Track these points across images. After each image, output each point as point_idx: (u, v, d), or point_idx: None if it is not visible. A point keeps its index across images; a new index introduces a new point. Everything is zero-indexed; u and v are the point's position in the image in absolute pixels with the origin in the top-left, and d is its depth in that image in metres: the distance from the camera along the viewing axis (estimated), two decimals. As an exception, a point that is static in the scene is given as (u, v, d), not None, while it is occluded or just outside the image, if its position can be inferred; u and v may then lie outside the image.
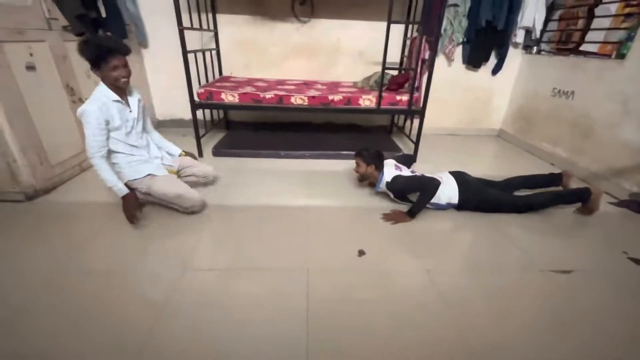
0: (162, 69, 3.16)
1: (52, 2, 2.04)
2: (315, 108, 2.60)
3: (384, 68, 2.42)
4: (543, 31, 2.98)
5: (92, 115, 1.55)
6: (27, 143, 1.87)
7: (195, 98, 2.52)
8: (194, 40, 2.92)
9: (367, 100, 2.60)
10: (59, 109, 2.12)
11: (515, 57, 3.26)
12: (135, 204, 1.71)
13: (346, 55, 3.28)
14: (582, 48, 2.58)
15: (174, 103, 3.30)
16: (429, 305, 1.29)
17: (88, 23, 2.26)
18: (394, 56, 3.20)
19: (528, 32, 3.06)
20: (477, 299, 1.33)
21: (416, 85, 2.65)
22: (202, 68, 2.91)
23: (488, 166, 2.87)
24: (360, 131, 3.43)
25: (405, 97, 2.59)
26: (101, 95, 1.60)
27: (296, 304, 1.27)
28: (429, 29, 2.49)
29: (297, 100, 2.56)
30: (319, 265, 1.48)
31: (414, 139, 2.72)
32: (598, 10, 2.44)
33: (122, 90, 1.67)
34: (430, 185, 1.82)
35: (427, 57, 2.52)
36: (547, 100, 2.93)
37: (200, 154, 2.68)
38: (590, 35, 2.51)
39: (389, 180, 1.91)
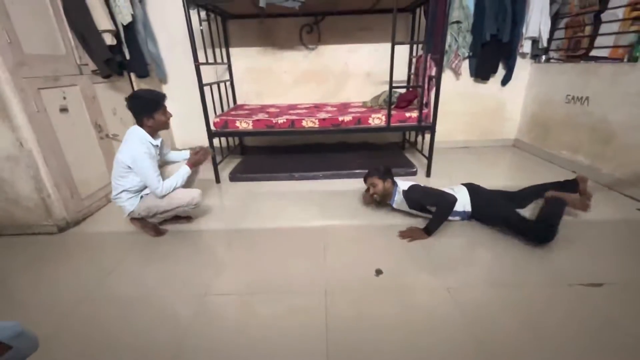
0: (180, 101, 3.33)
1: (83, 50, 2.26)
2: (327, 130, 2.66)
3: (392, 87, 2.48)
4: (550, 40, 2.99)
5: (145, 157, 1.74)
6: (60, 179, 2.02)
7: (212, 127, 2.65)
8: (209, 73, 3.11)
9: (377, 119, 2.65)
10: (89, 145, 2.29)
11: (524, 66, 3.26)
12: (201, 158, 2.01)
13: (354, 77, 3.38)
14: (592, 54, 2.56)
15: (192, 132, 3.44)
16: (451, 324, 1.26)
17: (115, 66, 2.47)
18: (401, 74, 3.27)
19: (535, 41, 3.07)
20: (502, 316, 1.29)
21: (425, 101, 2.69)
22: (217, 98, 3.07)
23: (506, 177, 2.82)
24: (372, 149, 3.46)
25: (414, 114, 2.62)
26: (142, 139, 1.77)
27: (315, 325, 1.27)
28: (433, 47, 2.55)
29: (309, 123, 2.64)
30: (337, 285, 1.48)
31: (427, 154, 2.72)
32: (605, 16, 2.44)
33: (155, 134, 1.86)
34: (446, 203, 1.80)
35: (433, 73, 2.57)
36: (561, 107, 2.89)
37: (218, 180, 2.78)
38: (599, 41, 2.50)
39: (406, 189, 1.90)
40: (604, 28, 2.45)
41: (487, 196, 1.91)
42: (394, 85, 2.49)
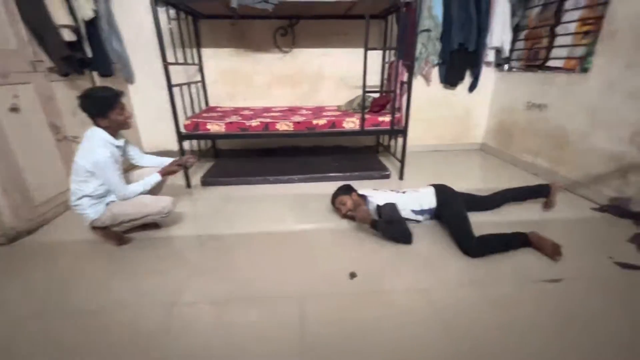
0: (148, 102, 3.21)
1: (38, 45, 2.10)
2: (301, 133, 2.66)
3: (365, 91, 2.52)
4: (512, 50, 3.18)
5: (109, 161, 1.63)
6: (9, 184, 1.85)
7: (182, 129, 2.56)
8: (179, 73, 3.01)
9: (351, 123, 2.68)
10: (45, 148, 2.13)
11: (489, 75, 3.44)
12: (175, 169, 1.95)
13: (329, 80, 3.41)
14: (549, 64, 2.75)
15: (161, 135, 3.33)
16: (425, 324, 1.28)
17: (75, 64, 2.32)
18: (375, 79, 3.34)
19: (498, 51, 3.26)
20: (473, 313, 1.33)
21: (397, 106, 2.76)
22: (188, 100, 2.97)
23: (474, 179, 2.94)
24: (347, 152, 3.50)
25: (387, 118, 2.68)
26: (103, 141, 1.66)
27: (290, 332, 1.24)
28: (405, 53, 2.63)
29: (283, 126, 2.62)
30: (312, 290, 1.47)
31: (400, 158, 2.79)
32: (559, 29, 2.63)
33: (117, 134, 1.74)
34: (403, 235, 1.81)
35: (405, 79, 2.64)
36: (523, 113, 3.07)
37: (189, 185, 2.68)
38: (555, 52, 2.69)
39: (381, 204, 1.91)
40: (559, 40, 2.64)
41: (451, 197, 1.97)
42: (367, 89, 2.53)
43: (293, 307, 1.37)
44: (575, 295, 1.43)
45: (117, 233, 1.84)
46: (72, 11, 2.25)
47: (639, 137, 2.04)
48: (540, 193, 2.19)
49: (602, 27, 2.25)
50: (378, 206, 1.93)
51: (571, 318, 1.30)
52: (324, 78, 3.39)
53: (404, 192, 2.04)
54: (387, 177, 2.85)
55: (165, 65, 2.29)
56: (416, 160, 3.26)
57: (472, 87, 3.46)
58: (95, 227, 1.80)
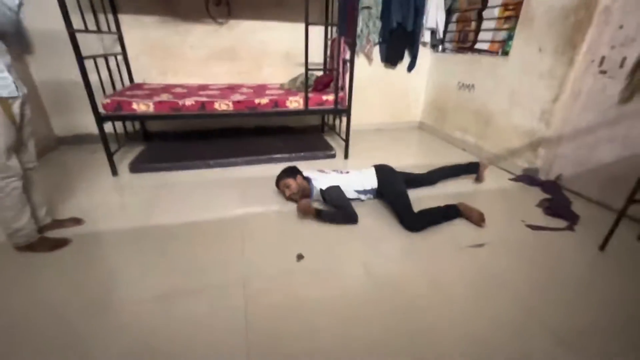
0: (57, 78, 2.74)
1: None
2: (242, 113, 2.52)
3: (307, 69, 2.46)
4: (445, 32, 3.34)
5: None
6: None
7: (101, 110, 2.24)
8: (94, 43, 2.61)
9: (295, 102, 2.61)
10: None
11: (425, 55, 3.59)
12: None
13: (272, 57, 3.25)
14: (476, 46, 2.96)
15: (77, 117, 2.90)
16: (368, 295, 1.35)
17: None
18: (318, 57, 3.27)
19: (433, 32, 3.40)
20: (411, 281, 1.44)
21: (340, 84, 2.75)
22: (108, 76, 2.60)
23: (412, 155, 3.12)
24: (292, 133, 3.43)
25: (331, 97, 2.67)
26: None
27: (235, 321, 1.21)
28: (346, 30, 2.60)
29: (222, 105, 2.45)
30: (257, 276, 1.44)
31: (344, 137, 2.82)
32: (485, 13, 2.83)
33: None
34: (349, 216, 1.85)
35: (347, 57, 2.63)
36: (454, 93, 3.30)
37: (115, 172, 2.40)
38: (481, 35, 2.89)
39: (324, 188, 1.93)
40: (485, 24, 2.84)
41: (391, 177, 2.06)
42: (310, 67, 2.47)
43: (239, 294, 1.33)
44: (494, 256, 1.63)
45: (44, 239, 1.59)
46: None
47: (546, 114, 2.34)
48: (471, 170, 2.40)
49: (521, 13, 2.46)
50: (322, 190, 1.94)
51: (489, 278, 1.48)
52: (267, 53, 3.22)
53: (347, 173, 2.08)
54: (333, 156, 2.88)
55: (71, 32, 1.93)
56: (360, 139, 3.34)
57: (410, 67, 3.59)
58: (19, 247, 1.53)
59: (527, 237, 1.80)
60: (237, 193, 2.19)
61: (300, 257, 1.57)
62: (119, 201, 2.10)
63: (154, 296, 1.33)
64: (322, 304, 1.31)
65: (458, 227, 1.87)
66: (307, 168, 2.18)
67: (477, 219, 1.87)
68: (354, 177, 2.05)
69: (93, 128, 2.59)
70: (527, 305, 1.33)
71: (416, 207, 1.88)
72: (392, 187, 2.00)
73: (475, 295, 1.38)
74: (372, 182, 2.05)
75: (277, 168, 2.16)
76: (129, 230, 1.76)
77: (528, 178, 2.47)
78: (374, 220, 1.92)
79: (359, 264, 1.54)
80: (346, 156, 2.86)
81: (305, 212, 1.86)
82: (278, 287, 1.39)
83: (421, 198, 2.08)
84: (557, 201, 2.14)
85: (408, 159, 2.90)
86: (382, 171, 2.09)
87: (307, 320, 1.23)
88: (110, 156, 2.35)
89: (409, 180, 2.17)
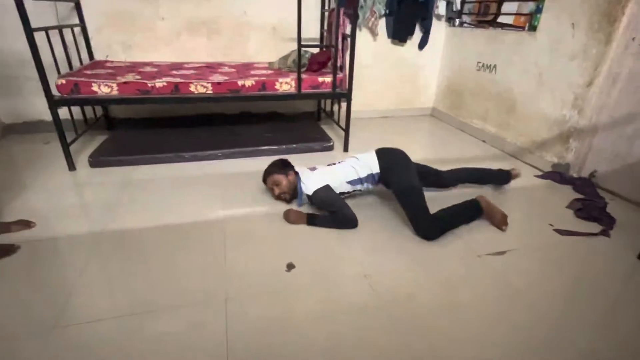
0: (0, 55, 2.70)
1: None
2: (223, 97, 2.51)
3: (300, 45, 2.44)
4: (463, 2, 3.34)
5: None
6: None
7: (55, 92, 2.22)
8: (47, 13, 2.58)
9: (286, 84, 2.60)
10: None
11: (440, 30, 3.60)
12: None
13: (257, 30, 3.23)
14: (499, 20, 2.96)
15: (27, 101, 2.87)
16: (368, 313, 1.35)
17: None
18: (313, 31, 3.26)
19: (449, 3, 3.40)
20: (419, 293, 1.45)
21: (339, 64, 2.74)
22: (70, 52, 2.56)
23: (423, 148, 3.14)
24: (282, 120, 3.43)
25: (328, 79, 2.66)
26: None
27: (214, 340, 1.21)
28: (346, 0, 2.59)
29: (199, 88, 2.44)
30: (241, 288, 1.44)
31: (344, 126, 2.82)
32: (510, -19, 2.83)
33: None
34: (345, 219, 1.84)
35: (347, 31, 2.62)
36: (473, 75, 3.31)
37: (72, 167, 2.38)
38: (505, 7, 2.90)
39: (310, 194, 1.90)
40: (509, -6, 2.84)
41: (401, 160, 1.98)
42: (303, 43, 2.46)
43: (219, 311, 1.33)
44: (516, 267, 1.63)
45: None
46: None
47: (579, 100, 2.35)
48: (500, 179, 2.31)
49: (551, -19, 2.47)
50: (308, 196, 1.92)
51: (510, 291, 1.49)
52: (251, 26, 3.20)
53: (334, 165, 2.03)
54: (331, 148, 2.88)
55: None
56: (362, 128, 3.35)
57: (422, 44, 3.59)
58: None
59: (556, 243, 1.81)
60: (218, 191, 2.18)
61: (290, 266, 1.57)
62: (77, 201, 2.08)
63: (118, 313, 1.32)
64: (315, 322, 1.31)
65: (475, 230, 1.88)
66: (302, 163, 2.16)
67: (500, 221, 1.88)
68: (345, 167, 1.98)
69: (46, 114, 2.58)
70: (555, 324, 1.34)
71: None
72: (399, 175, 1.90)
73: (495, 314, 1.38)
74: (371, 166, 1.96)
75: (264, 162, 2.15)
76: (88, 235, 1.75)
77: (557, 175, 2.48)
78: (377, 222, 1.92)
79: (359, 274, 1.55)
80: (346, 148, 2.86)
81: (296, 222, 1.86)
82: (265, 302, 1.39)
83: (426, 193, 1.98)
84: (590, 202, 2.16)
85: (418, 152, 2.89)
86: (386, 153, 2.00)
87: (297, 341, 1.23)
88: (66, 147, 2.34)
89: (425, 175, 2.08)
